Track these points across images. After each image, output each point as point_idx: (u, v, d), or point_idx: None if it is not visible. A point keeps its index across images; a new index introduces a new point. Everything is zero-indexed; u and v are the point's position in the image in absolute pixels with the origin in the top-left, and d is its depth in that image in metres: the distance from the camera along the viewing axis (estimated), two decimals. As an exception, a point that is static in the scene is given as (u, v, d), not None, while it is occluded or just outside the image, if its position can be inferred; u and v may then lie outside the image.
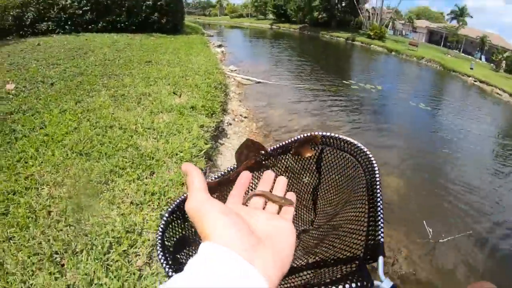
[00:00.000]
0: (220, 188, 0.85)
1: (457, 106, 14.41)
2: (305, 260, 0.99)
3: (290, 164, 1.05)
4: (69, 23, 13.28)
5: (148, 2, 14.41)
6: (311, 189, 1.14)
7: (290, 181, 1.10)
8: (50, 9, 12.90)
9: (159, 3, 14.64)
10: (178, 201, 0.85)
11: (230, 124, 6.29)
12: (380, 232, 0.67)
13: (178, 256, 0.84)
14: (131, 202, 2.79)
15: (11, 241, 2.29)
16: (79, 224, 2.48)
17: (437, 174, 6.74)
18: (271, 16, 46.28)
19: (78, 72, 6.54)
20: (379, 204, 0.73)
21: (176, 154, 3.68)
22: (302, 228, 1.18)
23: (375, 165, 0.83)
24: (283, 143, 0.99)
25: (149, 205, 2.78)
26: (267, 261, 0.41)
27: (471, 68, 24.93)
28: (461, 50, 38.70)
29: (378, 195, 0.75)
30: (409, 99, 12.96)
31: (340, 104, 9.80)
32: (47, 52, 8.14)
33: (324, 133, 0.97)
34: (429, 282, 3.83)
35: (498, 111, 16.61)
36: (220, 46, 15.27)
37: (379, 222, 0.69)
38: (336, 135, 0.96)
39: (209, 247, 0.39)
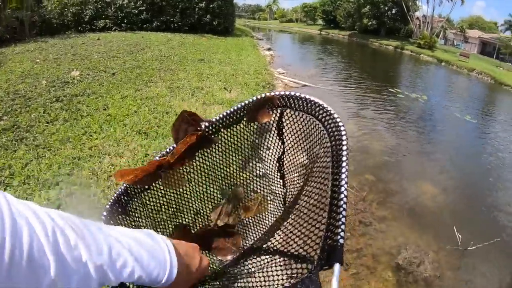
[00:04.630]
0: (160, 174, 0.84)
1: (507, 120, 13.94)
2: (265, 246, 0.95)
3: (245, 133, 0.97)
4: (125, 21, 14.20)
5: (200, 5, 15.03)
6: (275, 160, 1.04)
7: (249, 152, 1.02)
8: (108, 8, 13.90)
9: (211, 5, 15.23)
10: (115, 196, 0.88)
11: None
12: (340, 230, 0.56)
13: None
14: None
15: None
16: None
17: (475, 186, 6.61)
18: (320, 21, 46.13)
19: (136, 65, 7.01)
20: (342, 192, 0.60)
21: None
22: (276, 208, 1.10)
23: (343, 130, 0.71)
24: (233, 108, 0.92)
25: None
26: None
27: (525, 82, 23.65)
28: (514, 64, 36.90)
29: (343, 178, 0.63)
30: (455, 110, 12.66)
31: (382, 110, 9.78)
32: (107, 46, 8.75)
33: (283, 92, 0.86)
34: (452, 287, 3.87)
35: None
36: (269, 49, 15.51)
37: (340, 216, 0.58)
38: (297, 94, 0.85)
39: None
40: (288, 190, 1.06)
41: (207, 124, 0.91)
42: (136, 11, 14.33)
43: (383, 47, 31.57)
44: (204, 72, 7.11)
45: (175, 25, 15.03)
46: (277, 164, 1.04)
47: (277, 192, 1.09)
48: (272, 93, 0.87)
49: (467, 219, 5.32)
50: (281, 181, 1.08)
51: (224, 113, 0.92)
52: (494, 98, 19.53)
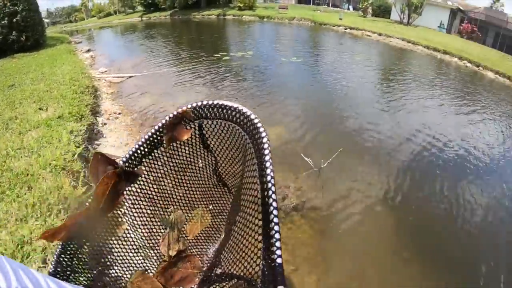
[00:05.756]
0: (86, 225, 0.81)
1: (330, 50, 16.22)
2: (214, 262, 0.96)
3: (170, 156, 0.94)
4: None
5: (3, 22, 13.50)
6: (211, 172, 1.03)
7: (180, 172, 1.00)
8: None
9: (14, 20, 13.71)
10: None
11: (105, 124, 6.53)
12: (275, 248, 0.53)
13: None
14: (16, 219, 2.92)
15: None
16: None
17: (310, 113, 7.74)
18: (140, 8, 44.80)
19: None
20: (271, 204, 0.59)
21: (50, 164, 3.85)
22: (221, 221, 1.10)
23: (263, 131, 0.71)
24: (147, 135, 0.90)
25: (32, 216, 2.95)
26: None
27: (340, 19, 27.01)
28: (330, 4, 41.13)
29: (270, 189, 0.62)
30: (282, 56, 14.05)
31: (212, 76, 10.45)
32: None
33: (195, 104, 0.85)
34: (323, 205, 4.31)
35: (370, 49, 19.05)
36: (88, 50, 14.91)
37: (273, 232, 0.55)
38: (210, 102, 0.84)
39: None
40: (234, 196, 1.04)
41: (125, 159, 0.88)
42: None
43: (206, 18, 32.31)
44: (16, 99, 6.70)
45: (-25, 52, 13.17)
46: (215, 176, 1.02)
47: (222, 200, 1.07)
48: (185, 107, 0.85)
49: (311, 144, 6.12)
50: (225, 188, 1.06)
51: (140, 142, 0.90)
52: (316, 36, 22.07)
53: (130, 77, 10.04)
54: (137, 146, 0.88)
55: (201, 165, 1.00)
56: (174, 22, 31.29)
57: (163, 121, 0.87)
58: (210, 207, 1.05)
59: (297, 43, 18.95)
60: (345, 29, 24.75)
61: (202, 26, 27.23)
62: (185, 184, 1.02)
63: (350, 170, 5.38)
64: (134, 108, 7.62)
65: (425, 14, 27.77)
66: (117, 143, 5.63)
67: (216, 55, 13.37)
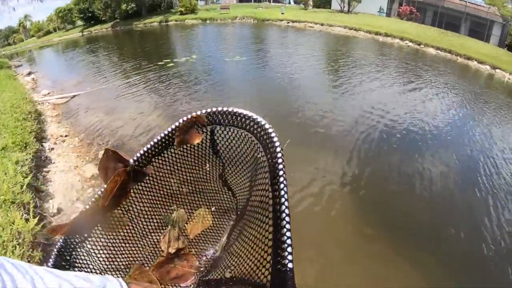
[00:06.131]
0: (90, 223, 0.84)
1: (274, 45, 16.76)
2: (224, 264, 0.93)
3: (179, 157, 0.96)
4: None
5: None
6: (217, 177, 1.05)
7: (188, 174, 1.02)
8: None
9: None
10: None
11: (52, 148, 6.44)
12: (286, 254, 0.55)
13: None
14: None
15: None
16: None
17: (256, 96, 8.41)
18: (80, 22, 43.54)
19: None
20: (284, 211, 0.61)
21: (-3, 199, 3.67)
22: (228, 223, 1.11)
23: (276, 141, 0.72)
24: (159, 137, 0.90)
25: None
26: None
27: (282, 13, 27.73)
28: (271, 0, 41.53)
29: (283, 196, 0.63)
30: (225, 56, 14.34)
31: (157, 85, 10.59)
32: None
33: (210, 110, 0.86)
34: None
35: (313, 39, 19.84)
36: (29, 73, 14.52)
37: (286, 245, 0.56)
38: (225, 109, 0.85)
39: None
40: (239, 201, 1.06)
41: (135, 158, 0.89)
42: None
43: (148, 26, 32.06)
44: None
45: None
46: (220, 181, 1.04)
47: (226, 204, 1.10)
48: (199, 112, 0.87)
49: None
50: (229, 192, 1.08)
51: (152, 143, 0.91)
52: (259, 33, 22.52)
53: (74, 96, 9.93)
54: (149, 146, 0.90)
55: (208, 168, 1.02)
56: (116, 34, 30.74)
57: (177, 124, 0.88)
58: (213, 209, 1.07)
59: (241, 41, 19.27)
60: (288, 23, 25.47)
61: (145, 34, 27.00)
62: (190, 185, 1.04)
63: (303, 158, 5.64)
64: (80, 128, 7.59)
65: (365, 1, 28.71)
66: (66, 167, 5.60)
67: (160, 63, 13.40)
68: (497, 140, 7.47)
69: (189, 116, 0.86)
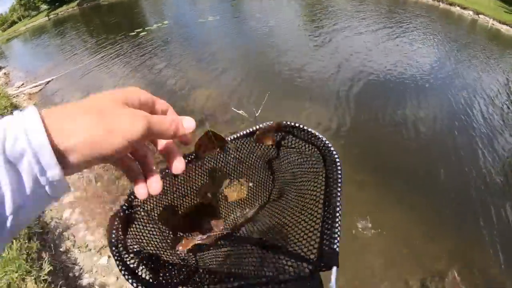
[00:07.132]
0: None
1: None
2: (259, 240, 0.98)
3: (250, 148, 1.04)
4: None
5: None
6: (269, 175, 1.13)
7: (248, 168, 1.10)
8: None
9: None
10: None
11: None
12: (336, 240, 0.65)
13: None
14: None
15: None
16: None
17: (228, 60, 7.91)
18: (44, 6, 41.90)
19: None
20: (338, 210, 0.70)
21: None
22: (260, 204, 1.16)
23: (339, 164, 0.79)
24: (246, 131, 0.97)
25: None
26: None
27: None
28: None
29: (338, 200, 0.72)
30: (199, 18, 13.84)
31: (131, 55, 10.32)
32: None
33: (284, 122, 0.94)
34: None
35: None
36: (0, 68, 14.10)
37: (336, 230, 0.67)
38: (301, 125, 0.91)
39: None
40: (276, 187, 1.13)
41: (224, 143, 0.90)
42: None
43: (116, -2, 30.87)
44: None
45: None
46: (267, 165, 1.11)
47: (264, 185, 1.15)
48: (279, 122, 0.94)
49: (241, 97, 6.37)
50: (271, 176, 1.14)
51: (239, 134, 0.97)
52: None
53: (48, 82, 9.60)
54: (237, 135, 0.96)
55: (261, 165, 1.11)
56: (84, 11, 29.62)
57: (261, 125, 0.95)
58: (250, 184, 1.12)
59: (216, 3, 18.44)
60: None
61: (113, 7, 26.06)
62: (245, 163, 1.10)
63: (285, 109, 5.58)
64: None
65: None
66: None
67: (131, 33, 12.94)
68: (485, 87, 7.38)
69: (271, 123, 0.93)
